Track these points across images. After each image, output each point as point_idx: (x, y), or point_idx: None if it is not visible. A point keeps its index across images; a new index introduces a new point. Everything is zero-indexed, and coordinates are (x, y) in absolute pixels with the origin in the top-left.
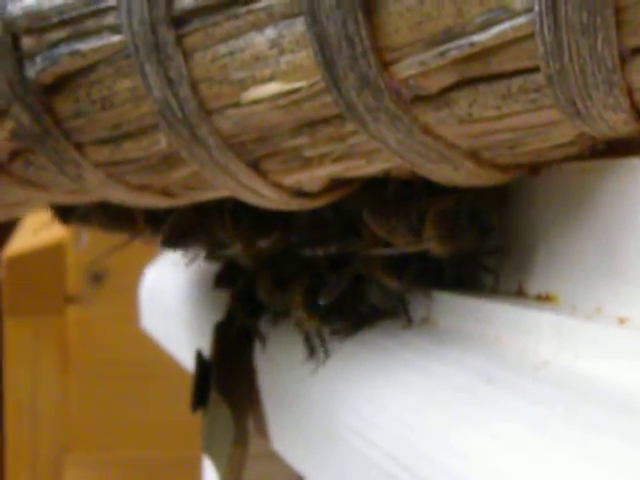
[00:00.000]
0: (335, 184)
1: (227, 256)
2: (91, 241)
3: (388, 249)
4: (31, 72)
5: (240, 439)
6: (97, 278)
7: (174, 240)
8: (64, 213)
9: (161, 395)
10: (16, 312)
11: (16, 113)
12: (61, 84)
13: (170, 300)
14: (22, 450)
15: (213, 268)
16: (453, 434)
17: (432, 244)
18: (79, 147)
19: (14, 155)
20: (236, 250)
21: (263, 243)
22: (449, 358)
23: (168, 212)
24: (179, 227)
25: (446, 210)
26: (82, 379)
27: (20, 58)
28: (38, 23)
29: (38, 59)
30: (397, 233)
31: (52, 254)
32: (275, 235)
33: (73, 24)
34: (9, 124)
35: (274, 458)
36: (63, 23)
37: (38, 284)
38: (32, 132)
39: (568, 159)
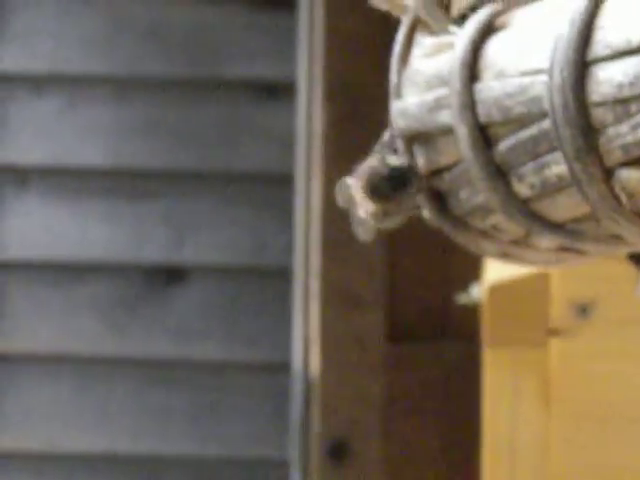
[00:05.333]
0: None
1: None
2: (576, 270)
3: None
4: None
5: None
6: (583, 310)
7: None
8: None
9: None
10: (496, 343)
11: None
12: None
13: None
14: None
15: None
16: None
17: None
18: None
19: None
20: None
21: None
22: None
23: None
24: None
25: None
26: (564, 417)
27: None
28: None
29: None
30: None
31: (535, 283)
32: None
33: None
34: None
35: None
36: None
37: (520, 315)
38: None
39: None
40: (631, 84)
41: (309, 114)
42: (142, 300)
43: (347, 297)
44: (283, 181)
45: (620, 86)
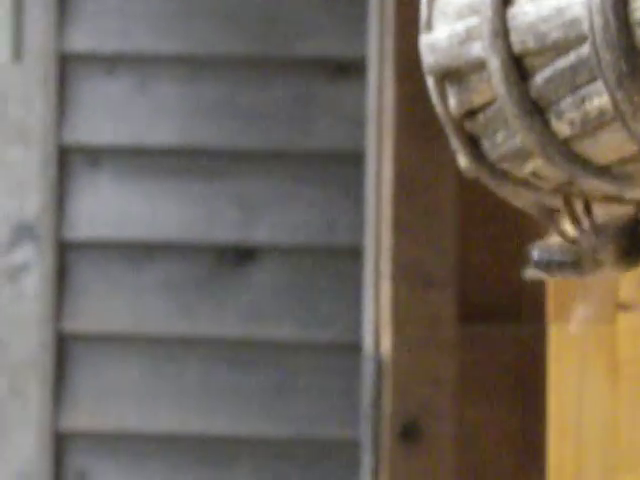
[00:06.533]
0: None
1: None
2: None
3: None
4: None
5: None
6: None
7: None
8: None
9: None
10: (562, 320)
11: None
12: None
13: None
14: (565, 469)
15: None
16: None
17: None
18: None
19: None
20: None
21: None
22: None
23: None
24: None
25: None
26: (633, 394)
27: None
28: None
29: None
30: None
31: None
32: None
33: None
34: None
35: None
36: None
37: (588, 290)
38: None
39: None
40: None
41: (380, 91)
42: (213, 280)
43: (419, 276)
44: (354, 159)
45: None
